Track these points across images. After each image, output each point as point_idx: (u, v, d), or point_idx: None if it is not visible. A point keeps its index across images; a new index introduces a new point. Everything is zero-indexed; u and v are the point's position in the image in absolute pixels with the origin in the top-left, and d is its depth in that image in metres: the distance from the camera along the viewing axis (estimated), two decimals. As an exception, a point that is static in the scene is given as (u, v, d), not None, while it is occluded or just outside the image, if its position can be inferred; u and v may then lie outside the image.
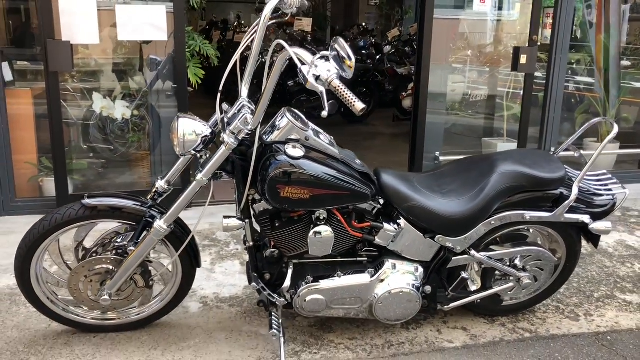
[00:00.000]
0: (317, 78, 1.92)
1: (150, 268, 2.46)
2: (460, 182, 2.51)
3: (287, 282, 2.41)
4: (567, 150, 2.74)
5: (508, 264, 2.65)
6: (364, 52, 9.71)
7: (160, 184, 2.39)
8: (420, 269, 2.52)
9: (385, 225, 2.42)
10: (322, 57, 1.95)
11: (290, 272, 2.43)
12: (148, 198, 2.40)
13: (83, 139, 4.42)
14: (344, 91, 1.88)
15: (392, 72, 8.81)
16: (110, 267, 2.34)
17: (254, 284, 2.38)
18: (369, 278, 2.45)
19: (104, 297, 2.32)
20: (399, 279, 2.47)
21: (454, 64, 5.17)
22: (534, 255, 2.66)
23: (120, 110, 4.12)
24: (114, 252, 2.36)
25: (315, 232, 2.32)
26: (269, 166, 2.17)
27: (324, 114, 1.94)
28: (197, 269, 2.54)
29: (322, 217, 2.34)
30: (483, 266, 2.65)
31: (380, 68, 9.18)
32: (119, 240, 2.39)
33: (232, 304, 2.90)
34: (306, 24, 7.67)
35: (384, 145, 6.70)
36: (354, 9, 16.98)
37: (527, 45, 4.47)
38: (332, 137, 2.41)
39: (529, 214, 2.51)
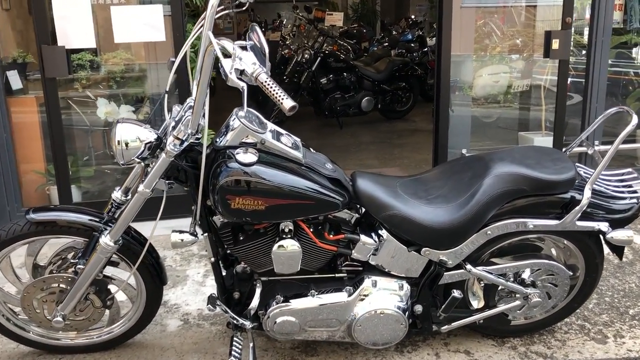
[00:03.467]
0: (242, 72, 1.66)
1: (110, 286, 2.27)
2: (451, 186, 2.19)
3: (255, 302, 2.17)
4: (580, 146, 2.35)
5: (512, 279, 2.30)
6: (412, 45, 9.35)
7: (117, 195, 2.20)
8: (407, 286, 2.22)
9: (363, 237, 2.14)
10: (241, 48, 1.69)
11: (258, 290, 2.19)
12: (105, 211, 2.21)
13: (96, 146, 4.34)
14: (272, 87, 1.62)
15: (435, 65, 8.40)
16: (64, 286, 2.17)
17: (209, 305, 2.14)
18: (346, 297, 2.17)
19: (56, 318, 2.15)
20: (381, 298, 2.17)
21: (481, 52, 4.76)
22: (544, 269, 2.30)
23: (125, 116, 4.00)
24: (68, 269, 2.19)
25: (280, 247, 2.06)
26: (218, 174, 1.93)
27: (241, 113, 1.68)
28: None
29: (287, 230, 2.08)
30: (484, 282, 2.31)
31: (424, 61, 8.78)
32: (73, 256, 2.21)
33: (214, 322, 2.68)
34: (337, 19, 7.39)
35: (419, 143, 6.32)
36: (405, 2, 16.53)
37: (560, 28, 4.02)
38: (299, 140, 2.14)
39: (533, 222, 2.16)
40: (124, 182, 2.21)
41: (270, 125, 2.07)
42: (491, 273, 2.24)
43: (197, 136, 1.99)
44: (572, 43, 4.77)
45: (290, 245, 2.06)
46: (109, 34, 3.72)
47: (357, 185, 2.12)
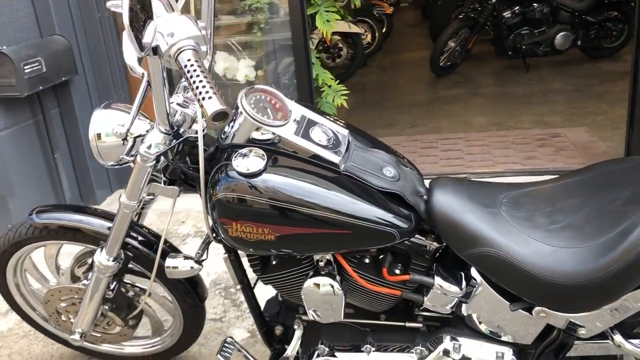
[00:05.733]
0: (155, 50, 1.03)
1: (137, 302, 1.87)
2: (591, 211, 1.33)
3: (291, 349, 1.60)
4: None
5: (702, 365, 1.38)
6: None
7: (136, 192, 1.74)
8: (511, 357, 1.44)
9: (440, 281, 1.41)
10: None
11: (298, 333, 1.61)
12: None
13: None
14: (194, 75, 0.96)
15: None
16: (80, 298, 1.82)
17: (219, 356, 1.60)
18: (414, 360, 1.49)
19: (73, 336, 1.81)
20: (466, 371, 1.45)
21: None
22: None
23: (243, 71, 3.56)
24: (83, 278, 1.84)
25: (314, 284, 1.44)
26: (214, 186, 1.35)
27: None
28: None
29: (322, 263, 1.44)
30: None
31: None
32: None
33: (284, 339, 2.18)
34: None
35: (627, 92, 4.94)
36: None
37: None
38: (345, 131, 1.44)
39: None
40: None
41: (298, 111, 1.40)
42: (660, 353, 1.36)
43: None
44: None
45: (325, 284, 1.43)
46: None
47: (433, 201, 1.38)
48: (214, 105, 0.92)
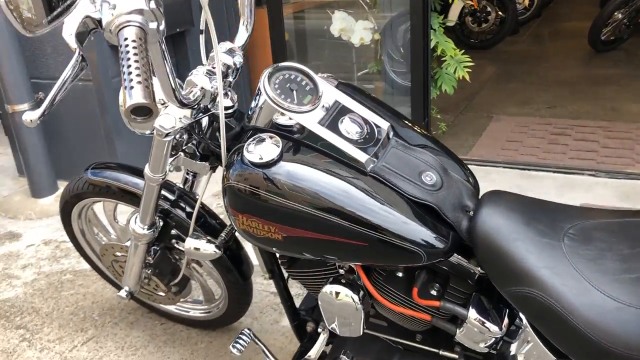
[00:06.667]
0: (99, 23, 0.88)
1: (183, 266, 1.83)
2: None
3: (314, 352, 1.47)
4: None
5: None
6: None
7: (189, 159, 1.68)
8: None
9: (474, 315, 1.18)
10: None
11: (322, 337, 1.47)
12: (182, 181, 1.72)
13: (335, 65, 3.83)
14: (126, 59, 0.80)
15: None
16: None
17: (231, 347, 1.49)
18: (440, 398, 1.29)
19: (119, 292, 1.83)
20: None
21: None
22: None
23: (359, 34, 3.36)
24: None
25: (333, 293, 1.28)
26: (229, 168, 1.22)
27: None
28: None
29: (342, 270, 1.28)
30: None
31: None
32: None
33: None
34: None
35: None
36: None
37: None
38: (385, 124, 1.22)
39: None
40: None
41: (331, 96, 1.21)
42: None
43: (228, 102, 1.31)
44: None
45: (344, 295, 1.26)
46: None
47: (478, 220, 1.13)
48: (134, 97, 0.77)
